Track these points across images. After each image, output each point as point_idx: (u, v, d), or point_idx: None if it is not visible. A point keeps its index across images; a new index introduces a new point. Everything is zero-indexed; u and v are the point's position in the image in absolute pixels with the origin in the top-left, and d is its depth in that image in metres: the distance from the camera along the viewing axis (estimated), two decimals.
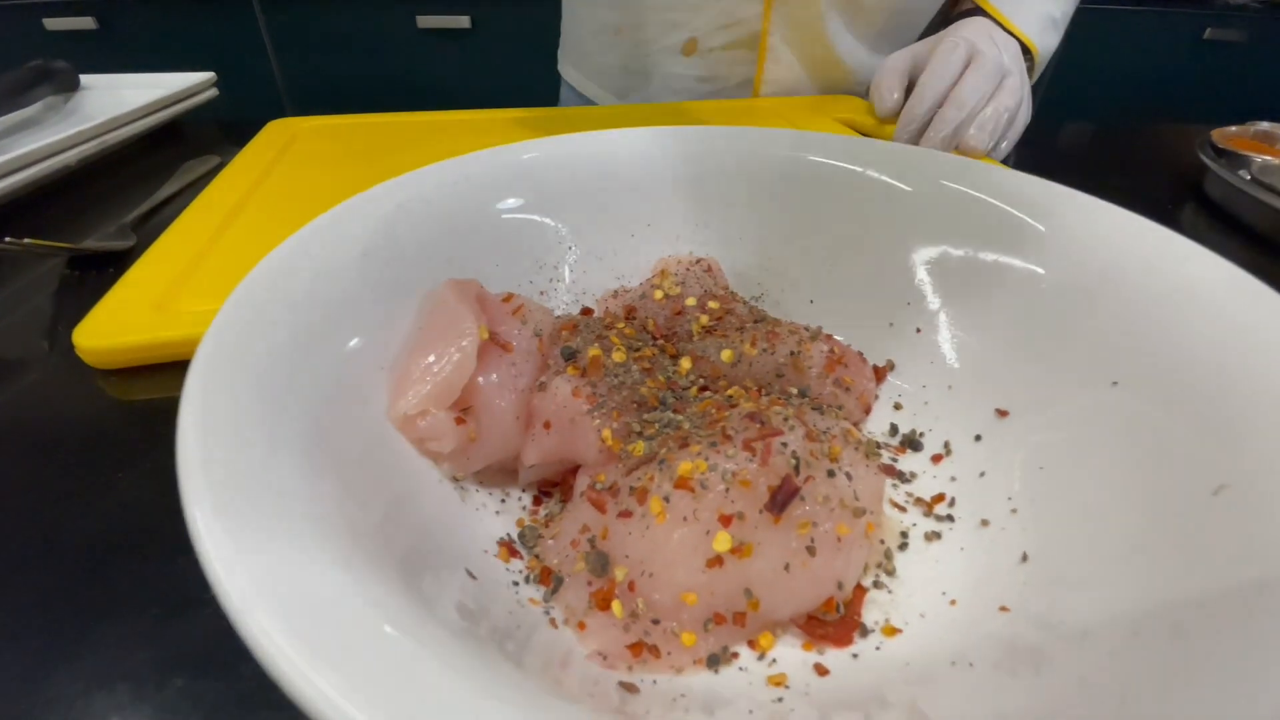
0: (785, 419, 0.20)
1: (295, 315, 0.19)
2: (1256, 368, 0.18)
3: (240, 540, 0.12)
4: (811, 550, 0.19)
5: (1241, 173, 0.47)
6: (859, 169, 0.30)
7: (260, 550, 0.12)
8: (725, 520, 0.18)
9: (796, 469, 0.19)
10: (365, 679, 0.10)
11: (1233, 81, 1.74)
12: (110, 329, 0.31)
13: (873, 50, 0.67)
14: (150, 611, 0.21)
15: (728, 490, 0.19)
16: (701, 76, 0.67)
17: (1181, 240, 0.23)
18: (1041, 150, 0.64)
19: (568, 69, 0.77)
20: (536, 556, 0.21)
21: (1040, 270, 0.25)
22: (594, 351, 0.23)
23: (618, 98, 0.72)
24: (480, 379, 0.21)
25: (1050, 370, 0.23)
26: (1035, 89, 0.59)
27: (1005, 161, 0.53)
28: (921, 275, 0.28)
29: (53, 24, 1.47)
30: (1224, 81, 1.74)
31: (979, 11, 0.58)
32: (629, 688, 0.16)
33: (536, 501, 0.23)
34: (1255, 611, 0.14)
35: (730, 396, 0.23)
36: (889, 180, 0.29)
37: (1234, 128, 0.54)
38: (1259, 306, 0.20)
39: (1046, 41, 0.59)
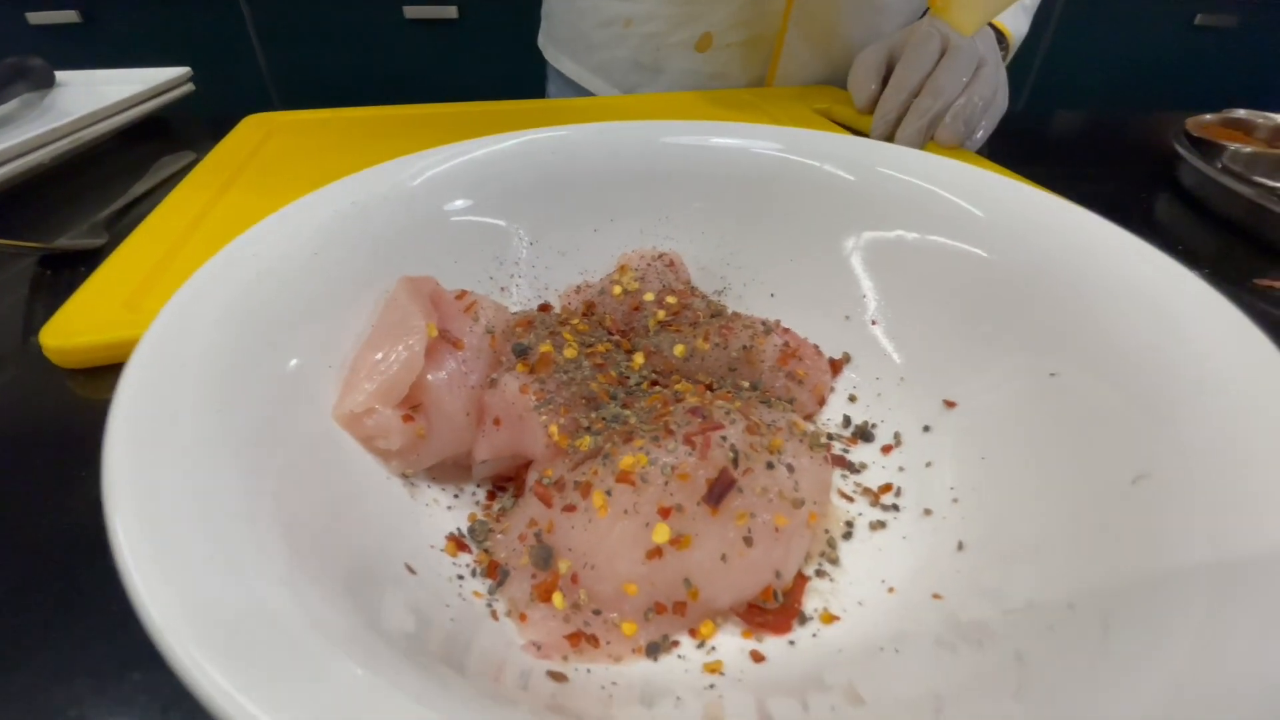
0: (727, 413, 0.21)
1: (238, 315, 0.19)
2: (1183, 360, 0.19)
3: (166, 552, 0.12)
4: (749, 540, 0.19)
5: (1214, 161, 0.47)
6: (814, 162, 0.30)
7: (187, 562, 0.12)
8: (664, 512, 0.19)
9: (735, 462, 0.19)
10: (294, 699, 0.11)
11: (1224, 67, 1.73)
12: (77, 328, 0.31)
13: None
14: (111, 606, 0.21)
15: (667, 483, 0.19)
16: (714, 73, 0.65)
17: (1119, 231, 0.23)
18: (1020, 139, 0.63)
19: (563, 60, 0.75)
20: (486, 551, 0.21)
21: (984, 254, 0.25)
22: (545, 348, 0.23)
23: (622, 92, 0.70)
24: (430, 376, 0.22)
25: (994, 361, 0.24)
26: (1023, 76, 0.59)
27: (981, 151, 0.54)
28: (874, 266, 0.28)
29: (36, 18, 1.46)
30: (1215, 67, 1.73)
31: None
32: (557, 677, 0.17)
33: (491, 496, 0.24)
34: (1159, 601, 0.14)
35: (678, 391, 0.23)
36: (839, 173, 0.29)
37: (1209, 115, 0.54)
38: (1191, 299, 0.20)
39: (1018, 25, 0.59)
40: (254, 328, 0.19)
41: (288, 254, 0.22)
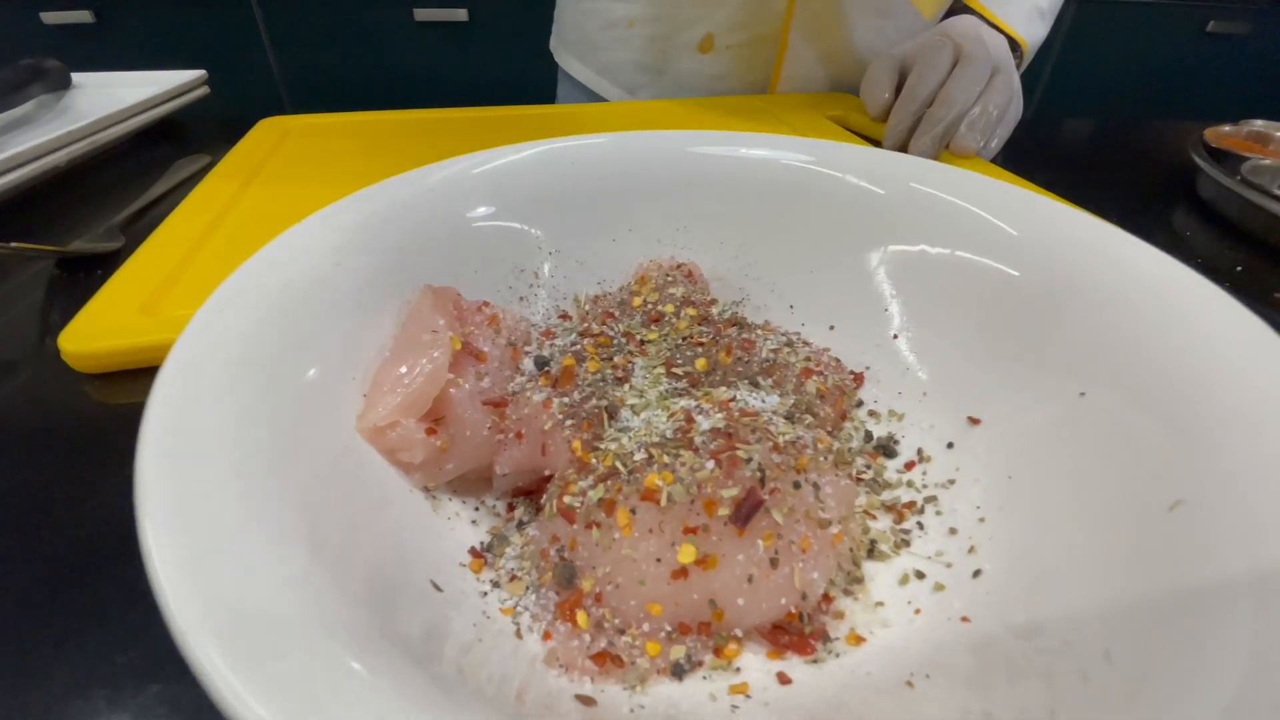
0: (753, 430, 0.21)
1: (264, 327, 0.19)
2: (1220, 381, 0.18)
3: (192, 556, 0.12)
4: (775, 562, 0.19)
5: (1233, 173, 0.47)
6: (838, 174, 0.30)
7: (213, 567, 0.12)
8: (690, 532, 0.19)
9: (762, 481, 0.19)
10: (313, 712, 0.11)
11: (1236, 75, 1.72)
12: (95, 333, 0.31)
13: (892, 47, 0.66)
14: (131, 616, 0.21)
15: (693, 502, 0.19)
16: (716, 74, 0.65)
17: (1150, 250, 0.22)
18: (1034, 148, 0.63)
19: (571, 62, 0.75)
20: (513, 576, 0.21)
21: (1014, 273, 0.25)
22: (567, 361, 0.23)
23: (627, 93, 0.70)
24: (452, 389, 0.22)
25: (1021, 379, 0.23)
26: (1035, 83, 0.59)
27: (995, 159, 0.53)
28: (898, 281, 0.28)
29: (50, 18, 1.47)
30: (1227, 75, 1.72)
31: (966, 9, 0.57)
32: (586, 700, 0.16)
33: (510, 508, 0.24)
34: (1195, 633, 0.14)
35: (702, 406, 0.23)
36: (867, 185, 0.29)
37: (1227, 127, 0.53)
38: (1226, 319, 0.20)
39: (1034, 33, 0.59)
40: (280, 340, 0.19)
41: (311, 265, 0.22)
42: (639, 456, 0.20)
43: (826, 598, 0.21)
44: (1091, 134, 0.71)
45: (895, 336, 0.28)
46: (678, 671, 0.18)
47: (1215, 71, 1.72)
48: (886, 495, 0.24)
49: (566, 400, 0.22)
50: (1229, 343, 0.19)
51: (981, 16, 0.56)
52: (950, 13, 0.58)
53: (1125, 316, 0.21)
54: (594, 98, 0.73)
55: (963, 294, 0.26)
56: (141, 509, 0.13)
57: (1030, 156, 0.60)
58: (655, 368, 0.25)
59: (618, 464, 0.21)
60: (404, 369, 0.21)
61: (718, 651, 0.19)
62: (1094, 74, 1.68)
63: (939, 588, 0.20)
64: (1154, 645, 0.15)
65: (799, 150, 0.31)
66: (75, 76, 0.64)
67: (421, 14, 1.55)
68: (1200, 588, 0.15)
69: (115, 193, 0.50)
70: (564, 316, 0.30)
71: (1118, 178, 0.58)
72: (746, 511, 0.19)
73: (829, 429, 0.26)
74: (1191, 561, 0.16)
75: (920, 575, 0.21)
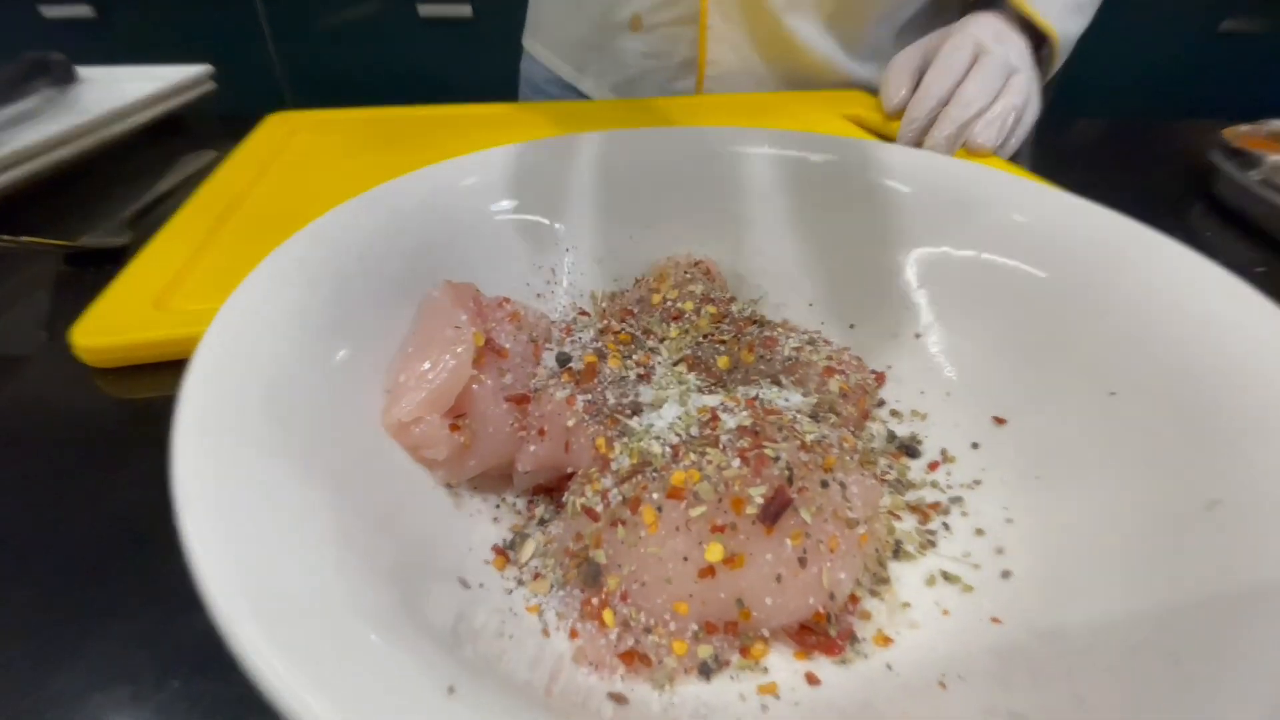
0: (779, 428, 0.20)
1: (290, 323, 0.19)
2: (1252, 380, 0.18)
3: (231, 547, 0.12)
4: (803, 561, 0.19)
5: (1252, 173, 0.46)
6: (860, 171, 0.29)
7: (251, 558, 0.12)
8: (718, 530, 0.18)
9: (790, 480, 0.19)
10: (352, 694, 0.11)
11: (1250, 74, 1.71)
12: (108, 327, 0.31)
13: (830, 32, 0.64)
14: (149, 612, 0.21)
15: (720, 500, 0.19)
16: (649, 52, 0.67)
17: (1180, 248, 0.22)
18: (1051, 148, 0.63)
19: (533, 43, 0.77)
20: (537, 575, 0.21)
21: (1040, 274, 0.25)
22: (589, 358, 0.23)
23: (577, 70, 0.72)
24: (475, 386, 0.21)
25: (1048, 378, 0.23)
26: (1047, 82, 0.58)
27: (1013, 159, 0.53)
28: (921, 279, 0.28)
29: (49, 11, 1.46)
30: (1241, 74, 1.71)
31: (997, 2, 0.56)
32: (619, 698, 0.16)
33: (531, 505, 0.23)
34: (1240, 627, 0.14)
35: (725, 403, 0.23)
36: (889, 183, 0.29)
37: (1246, 127, 0.53)
38: (1256, 317, 0.20)
39: (1069, 27, 0.56)
40: (304, 336, 0.19)
41: (335, 259, 0.21)
42: (664, 454, 0.20)
43: (853, 598, 0.20)
44: (1105, 134, 0.70)
45: (918, 336, 0.28)
46: (705, 671, 0.18)
47: (1228, 71, 1.70)
48: (911, 495, 0.24)
49: (589, 397, 0.22)
50: (1262, 341, 0.19)
51: (1014, 8, 0.54)
52: (975, 9, 0.57)
53: (1156, 315, 0.21)
54: (549, 74, 0.75)
55: (988, 293, 0.26)
56: (181, 501, 0.13)
57: (1043, 156, 0.59)
58: (677, 365, 0.25)
59: (642, 461, 0.20)
60: (427, 365, 0.21)
61: (745, 651, 0.19)
62: (1106, 74, 1.66)
63: (967, 589, 0.20)
64: (1191, 646, 0.15)
65: (821, 147, 0.30)
66: (80, 71, 0.64)
67: (425, 10, 1.54)
68: (1239, 588, 0.15)
69: (122, 188, 0.49)
70: (582, 313, 0.30)
71: (1133, 178, 0.57)
72: (775, 510, 0.18)
73: (852, 428, 0.26)
74: (1229, 561, 0.16)
75: (947, 576, 0.21)
